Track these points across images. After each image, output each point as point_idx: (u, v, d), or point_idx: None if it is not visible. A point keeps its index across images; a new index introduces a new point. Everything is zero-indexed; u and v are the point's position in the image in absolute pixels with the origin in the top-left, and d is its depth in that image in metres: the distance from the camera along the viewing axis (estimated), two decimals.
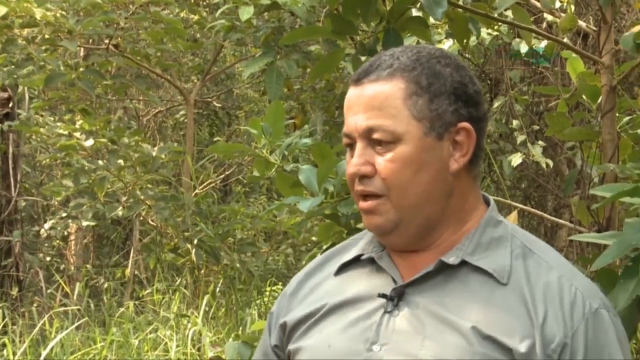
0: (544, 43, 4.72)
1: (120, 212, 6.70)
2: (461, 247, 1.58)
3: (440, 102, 1.55)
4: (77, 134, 6.58)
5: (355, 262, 1.67)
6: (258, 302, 6.95)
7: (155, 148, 6.88)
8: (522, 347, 1.47)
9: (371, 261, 1.65)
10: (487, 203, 1.66)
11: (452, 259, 1.56)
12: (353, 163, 1.57)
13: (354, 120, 1.57)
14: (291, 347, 1.67)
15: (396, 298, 1.56)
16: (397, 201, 1.56)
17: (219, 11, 5.58)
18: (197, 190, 7.74)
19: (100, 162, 6.62)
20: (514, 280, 1.54)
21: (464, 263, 1.56)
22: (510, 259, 1.56)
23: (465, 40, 3.12)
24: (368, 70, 1.58)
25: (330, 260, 1.74)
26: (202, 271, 7.21)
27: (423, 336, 1.51)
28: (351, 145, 1.60)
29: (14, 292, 7.58)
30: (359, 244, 1.71)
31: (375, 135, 1.54)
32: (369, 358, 1.54)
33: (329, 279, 1.69)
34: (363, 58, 2.96)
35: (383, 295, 1.57)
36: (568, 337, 1.48)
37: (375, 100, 1.55)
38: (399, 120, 1.54)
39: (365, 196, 1.58)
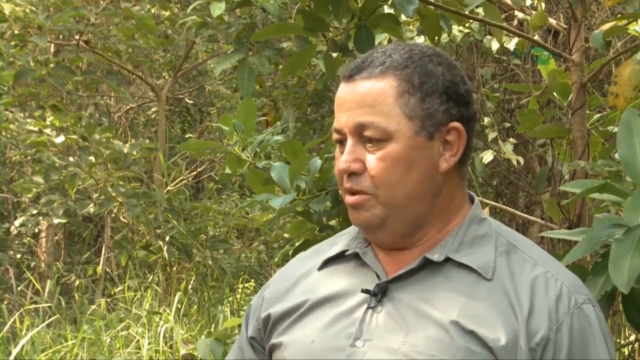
0: (514, 40, 4.73)
1: (91, 209, 6.66)
2: (445, 245, 1.58)
3: (432, 101, 1.55)
4: (48, 131, 6.54)
5: (340, 257, 1.67)
6: (230, 299, 6.95)
7: (127, 145, 6.85)
8: (504, 342, 1.47)
9: (355, 257, 1.65)
10: (472, 201, 1.67)
11: (436, 256, 1.56)
12: (343, 160, 1.57)
13: (345, 116, 1.56)
14: (274, 341, 1.67)
15: (380, 294, 1.57)
16: (384, 199, 1.55)
17: (190, 7, 5.54)
18: (169, 187, 7.71)
19: (71, 158, 6.58)
20: (498, 276, 1.54)
21: (447, 260, 1.57)
22: (495, 256, 1.56)
23: (436, 38, 3.13)
24: (360, 66, 1.57)
25: (315, 255, 1.74)
26: (174, 268, 7.19)
27: (405, 332, 1.52)
28: (341, 142, 1.59)
29: None
30: (343, 240, 1.70)
31: (367, 133, 1.54)
32: (352, 353, 1.54)
33: (313, 273, 1.69)
34: (334, 55, 2.97)
35: (366, 291, 1.58)
36: (552, 331, 1.49)
37: (368, 97, 1.54)
38: (390, 118, 1.53)
39: (353, 192, 1.58)
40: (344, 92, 1.58)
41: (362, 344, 1.54)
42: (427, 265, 1.57)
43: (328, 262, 1.69)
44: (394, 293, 1.57)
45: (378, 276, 1.60)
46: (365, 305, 1.57)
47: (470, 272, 1.55)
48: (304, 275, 1.70)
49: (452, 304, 1.52)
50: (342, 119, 1.57)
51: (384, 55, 1.57)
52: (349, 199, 1.58)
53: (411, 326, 1.52)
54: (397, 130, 1.53)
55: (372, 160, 1.54)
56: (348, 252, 1.66)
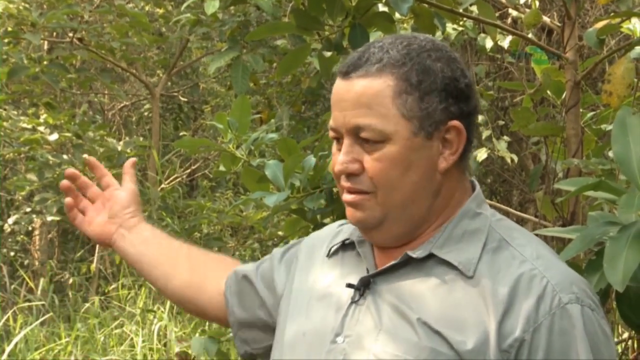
0: (508, 38, 4.74)
1: None
2: (432, 241, 1.54)
3: (430, 100, 1.50)
4: (42, 128, 6.53)
5: (345, 246, 1.67)
6: None
7: (121, 142, 6.84)
8: (472, 345, 1.42)
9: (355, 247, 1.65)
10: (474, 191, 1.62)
11: (417, 253, 1.52)
12: (340, 161, 1.53)
13: (342, 116, 1.52)
14: (278, 318, 1.72)
15: (362, 288, 1.55)
16: (383, 199, 1.52)
17: (185, 5, 5.54)
18: (163, 185, 7.71)
19: (65, 156, 6.57)
20: (480, 273, 1.48)
21: (431, 256, 1.52)
22: (481, 252, 1.51)
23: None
24: (357, 63, 1.52)
25: (335, 236, 1.75)
26: None
27: (379, 329, 1.50)
28: (338, 139, 1.56)
29: None
30: (351, 227, 1.69)
31: (364, 134, 1.50)
32: (331, 350, 1.53)
33: (320, 259, 1.71)
34: (328, 53, 2.97)
35: (350, 285, 1.56)
36: (528, 332, 1.42)
37: (364, 97, 1.50)
38: (387, 119, 1.49)
39: (352, 191, 1.55)
40: (341, 89, 1.53)
41: (343, 340, 1.52)
42: (410, 261, 1.53)
43: (336, 250, 1.69)
44: (378, 287, 1.54)
45: (368, 270, 1.58)
46: (351, 300, 1.56)
47: (452, 269, 1.50)
48: (316, 259, 1.73)
49: (425, 302, 1.48)
50: (339, 119, 1.53)
51: (381, 51, 1.52)
52: (347, 197, 1.55)
53: (385, 324, 1.50)
54: (395, 131, 1.49)
55: (370, 161, 1.51)
56: (347, 241, 1.65)
